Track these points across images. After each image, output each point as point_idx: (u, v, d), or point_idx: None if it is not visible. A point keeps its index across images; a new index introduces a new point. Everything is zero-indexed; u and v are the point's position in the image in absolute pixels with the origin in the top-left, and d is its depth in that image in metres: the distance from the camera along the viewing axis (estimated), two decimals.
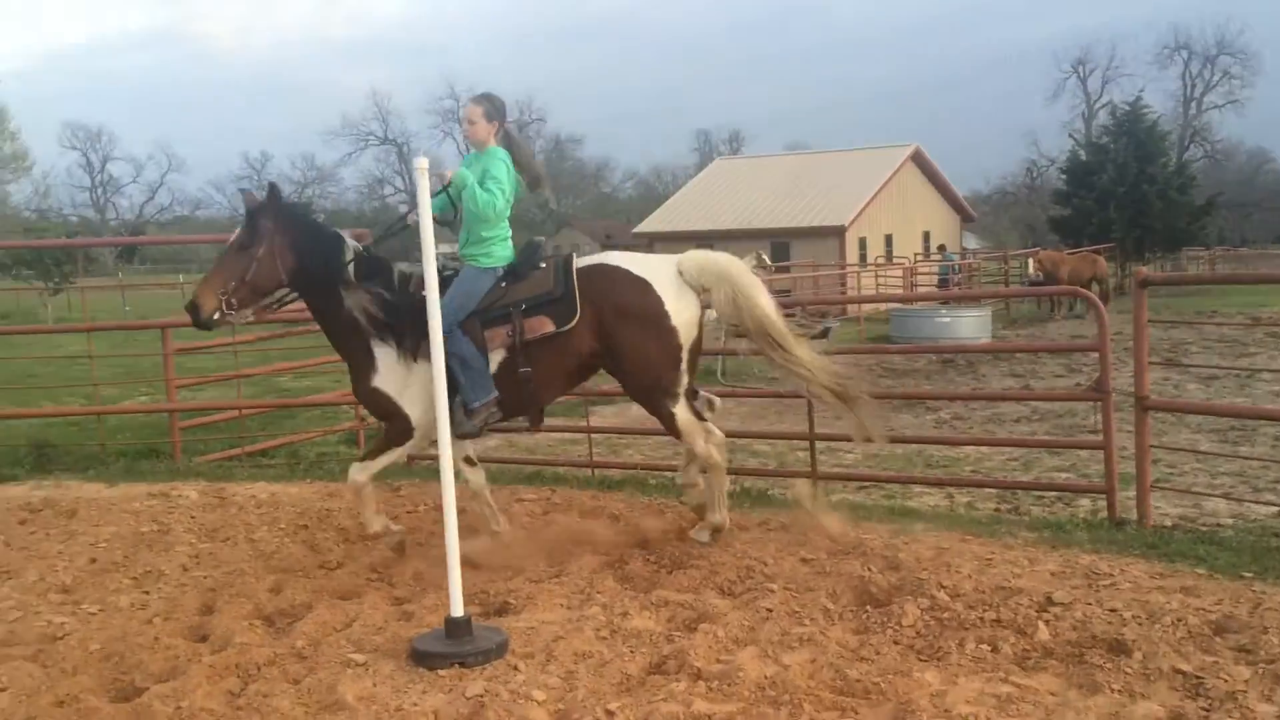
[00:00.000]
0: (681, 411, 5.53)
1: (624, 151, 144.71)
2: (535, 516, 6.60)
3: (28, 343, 19.12)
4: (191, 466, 8.62)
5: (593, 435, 8.61)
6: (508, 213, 5.47)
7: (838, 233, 36.89)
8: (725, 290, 5.48)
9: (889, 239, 40.09)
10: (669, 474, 7.87)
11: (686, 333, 5.47)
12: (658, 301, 5.41)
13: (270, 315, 5.83)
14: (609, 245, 76.86)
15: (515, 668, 4.19)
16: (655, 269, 5.53)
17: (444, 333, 5.10)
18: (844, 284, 29.82)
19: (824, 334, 15.19)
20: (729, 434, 6.29)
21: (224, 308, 5.25)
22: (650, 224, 41.78)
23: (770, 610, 4.70)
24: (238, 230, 5.40)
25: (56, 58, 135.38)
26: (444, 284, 5.29)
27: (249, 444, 9.74)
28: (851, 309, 25.26)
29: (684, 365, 5.49)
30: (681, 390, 5.52)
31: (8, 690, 4.23)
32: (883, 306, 24.47)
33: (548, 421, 6.18)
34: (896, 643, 4.39)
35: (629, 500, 6.97)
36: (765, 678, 3.96)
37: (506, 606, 4.96)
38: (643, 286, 5.43)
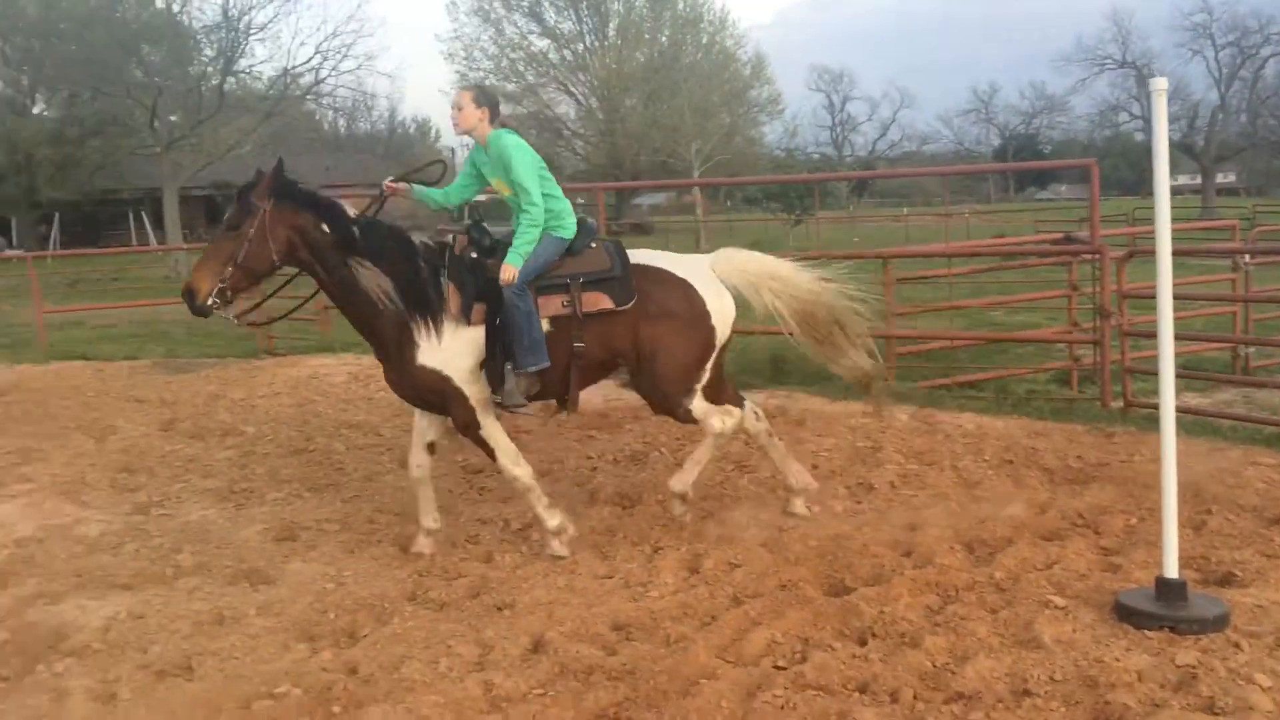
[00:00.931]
0: (697, 404, 5.41)
1: None
2: (1275, 484, 5.77)
3: None
4: (904, 391, 9.03)
5: None
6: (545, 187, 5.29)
7: None
8: (762, 291, 5.48)
9: None
10: None
11: (722, 332, 5.43)
12: (700, 302, 5.36)
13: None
14: None
15: (1236, 645, 3.76)
16: (692, 269, 5.47)
17: (516, 292, 5.11)
18: None
19: None
20: None
21: (217, 294, 5.04)
22: None
23: None
24: (228, 211, 5.21)
25: (809, 7, 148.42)
26: (498, 249, 5.26)
27: (959, 374, 9.92)
28: None
29: (710, 364, 5.42)
30: (700, 387, 5.41)
31: (742, 568, 4.89)
32: None
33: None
34: None
35: None
36: None
37: (1230, 578, 4.45)
38: (686, 288, 5.37)
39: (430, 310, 5.17)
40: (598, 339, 5.32)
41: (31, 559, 5.47)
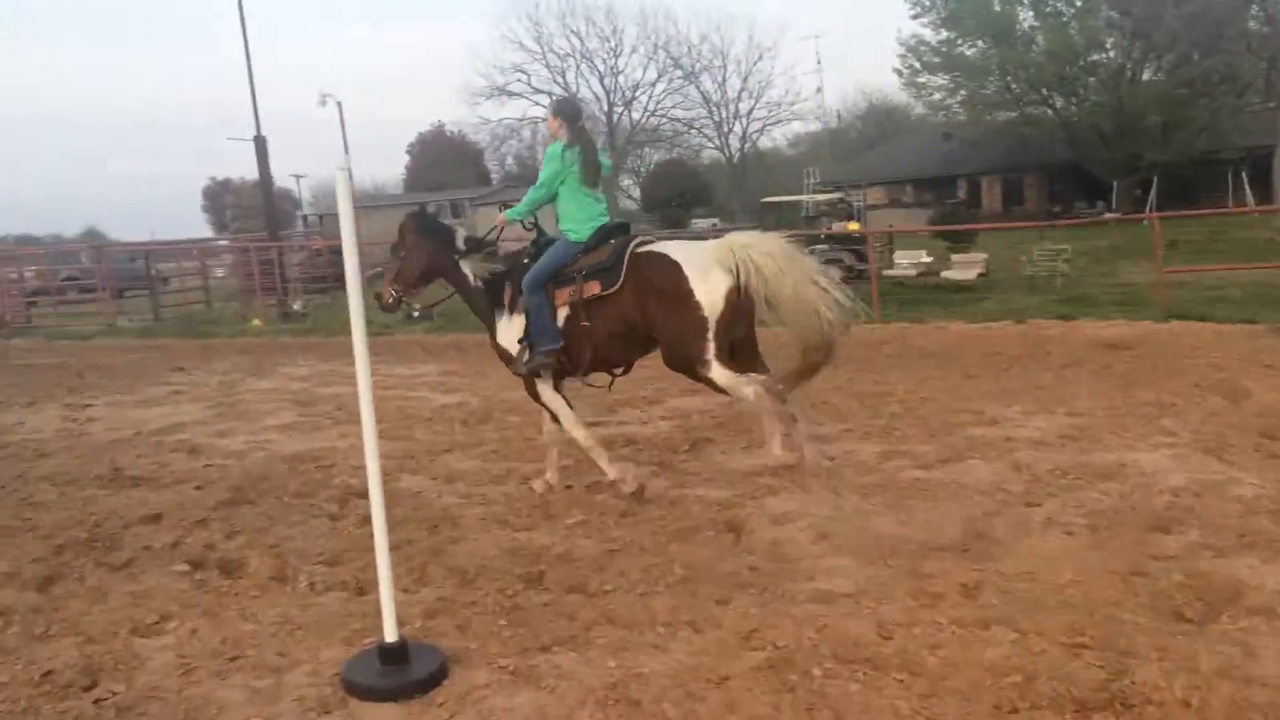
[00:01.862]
0: (717, 372, 5.97)
1: None
2: None
3: None
4: None
5: None
6: (547, 198, 6.48)
7: None
8: (742, 262, 5.94)
9: None
10: None
11: (712, 309, 5.93)
12: (684, 280, 5.97)
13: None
14: None
15: None
16: (692, 254, 6.10)
17: (528, 287, 6.37)
18: None
19: None
20: None
21: (393, 296, 6.88)
22: None
23: None
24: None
25: None
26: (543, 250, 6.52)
27: None
28: None
29: (711, 335, 5.94)
30: (712, 356, 5.95)
31: None
32: None
33: None
34: None
35: None
36: None
37: None
38: (674, 267, 6.02)
39: (500, 304, 6.65)
40: (607, 318, 6.23)
41: (1190, 509, 5.64)
